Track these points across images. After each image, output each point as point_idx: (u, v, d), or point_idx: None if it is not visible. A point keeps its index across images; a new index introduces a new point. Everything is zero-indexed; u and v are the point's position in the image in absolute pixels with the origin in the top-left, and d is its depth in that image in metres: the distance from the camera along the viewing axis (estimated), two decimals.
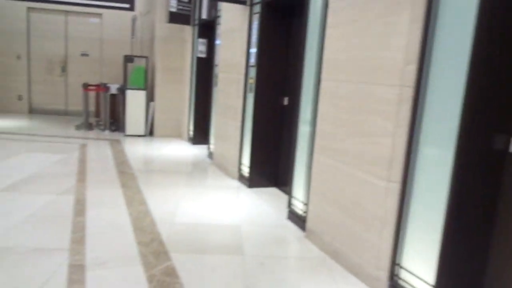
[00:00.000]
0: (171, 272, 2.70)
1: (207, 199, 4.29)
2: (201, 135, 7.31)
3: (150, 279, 2.60)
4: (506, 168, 2.26)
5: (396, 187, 2.54)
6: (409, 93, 2.45)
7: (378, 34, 2.65)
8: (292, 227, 3.69)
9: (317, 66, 3.46)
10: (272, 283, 2.66)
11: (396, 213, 2.55)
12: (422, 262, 2.38)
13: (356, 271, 2.83)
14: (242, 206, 4.17)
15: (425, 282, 2.35)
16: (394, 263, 2.57)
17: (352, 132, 2.88)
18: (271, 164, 4.92)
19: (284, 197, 4.57)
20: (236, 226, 3.60)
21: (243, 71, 4.97)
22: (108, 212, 3.68)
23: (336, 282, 2.74)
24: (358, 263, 2.81)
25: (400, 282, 2.53)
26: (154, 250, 3.00)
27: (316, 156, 3.36)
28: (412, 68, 2.43)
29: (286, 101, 4.76)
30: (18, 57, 9.92)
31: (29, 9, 9.83)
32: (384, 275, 2.63)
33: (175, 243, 3.15)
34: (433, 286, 2.29)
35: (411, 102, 2.45)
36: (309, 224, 3.45)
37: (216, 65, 6.13)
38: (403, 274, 2.52)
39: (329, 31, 3.19)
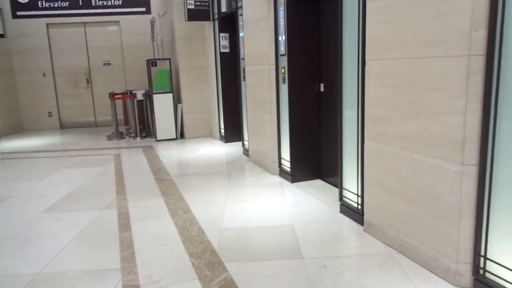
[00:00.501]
0: (230, 285, 2.52)
1: (251, 199, 4.10)
2: (233, 132, 7.13)
3: None
4: None
5: (472, 170, 2.25)
6: (479, 63, 2.14)
7: None
8: (347, 221, 3.44)
9: (359, 46, 3.17)
10: (339, 286, 2.43)
11: (475, 200, 2.27)
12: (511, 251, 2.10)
13: (432, 266, 2.56)
14: (290, 203, 3.95)
15: None
16: (479, 255, 2.29)
17: (411, 113, 2.60)
18: (313, 156, 4.67)
19: (331, 189, 4.32)
20: (289, 226, 3.38)
21: (273, 61, 4.72)
22: (153, 224, 3.55)
23: (411, 280, 2.49)
24: (433, 256, 2.54)
25: (488, 275, 2.25)
26: (208, 262, 2.82)
27: (368, 143, 3.09)
28: (481, 34, 2.12)
29: (322, 87, 4.49)
30: (44, 74, 10.02)
31: (49, 25, 9.89)
32: (467, 268, 2.36)
33: (228, 251, 2.97)
34: None
35: (483, 73, 2.14)
36: (367, 217, 3.20)
37: (242, 59, 5.90)
38: (491, 267, 2.23)
39: (370, 5, 2.90)
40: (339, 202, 3.65)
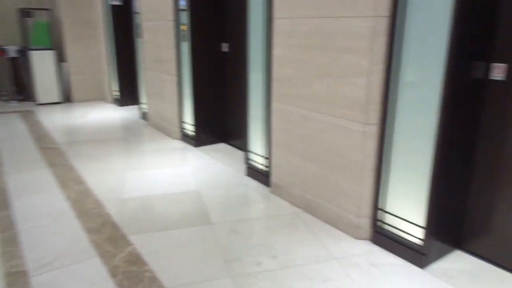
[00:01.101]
0: (136, 259, 2.33)
1: (153, 166, 3.85)
2: (128, 95, 6.60)
3: (113, 272, 2.21)
4: (487, 96, 2.16)
5: (374, 130, 2.36)
6: (384, 24, 2.19)
7: None
8: (254, 184, 3.44)
9: (266, 3, 3.05)
10: (252, 249, 2.42)
11: (376, 157, 2.39)
12: (409, 204, 2.28)
13: (335, 222, 2.69)
14: (194, 168, 3.81)
15: (414, 224, 2.26)
16: (377, 208, 2.45)
17: (319, 74, 2.60)
18: (217, 119, 4.54)
19: (236, 152, 4.27)
20: (194, 192, 3.25)
21: (171, 16, 4.36)
22: (39, 199, 3.11)
23: (317, 236, 2.58)
24: (337, 213, 2.66)
25: (386, 227, 2.43)
26: (108, 236, 2.57)
27: (275, 104, 3.06)
28: None
29: (227, 47, 4.31)
30: None
31: None
32: (366, 221, 2.51)
33: (131, 223, 2.74)
34: (423, 227, 2.21)
35: (387, 35, 2.20)
36: (274, 178, 3.22)
37: (137, 13, 5.37)
38: (389, 219, 2.41)
39: None
40: (246, 165, 3.62)
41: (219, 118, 4.54)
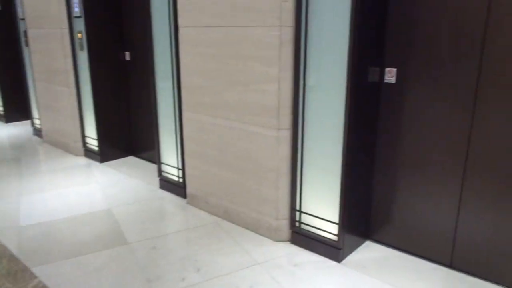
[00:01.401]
0: None
1: (53, 187, 3.51)
2: (16, 109, 5.94)
3: None
4: (382, 98, 2.39)
5: (287, 134, 2.45)
6: (289, 33, 2.29)
7: None
8: (169, 197, 3.33)
9: (171, 11, 2.98)
10: (175, 265, 2.33)
11: (290, 161, 2.49)
12: (323, 203, 2.41)
13: (255, 227, 2.73)
14: (102, 185, 3.56)
15: (329, 221, 2.39)
16: (294, 210, 2.54)
17: (229, 82, 2.62)
18: (123, 131, 4.31)
19: (147, 165, 4.10)
20: (105, 211, 3.04)
21: (65, 24, 4.03)
22: None
23: (238, 243, 2.59)
24: (256, 218, 2.71)
25: (303, 226, 2.54)
26: (6, 271, 2.27)
27: (187, 114, 3.00)
28: (289, 5, 2.25)
29: (128, 56, 4.12)
30: None
31: None
32: (285, 223, 2.59)
33: (32, 254, 2.45)
34: (336, 223, 2.35)
35: (293, 43, 2.31)
36: (190, 189, 3.16)
37: (22, 19, 4.86)
38: (305, 218, 2.52)
39: None
40: (159, 178, 3.49)
41: (126, 130, 4.32)
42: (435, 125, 2.20)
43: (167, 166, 3.42)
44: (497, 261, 2.12)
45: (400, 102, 2.32)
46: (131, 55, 4.09)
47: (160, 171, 3.48)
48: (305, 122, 2.37)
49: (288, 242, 2.61)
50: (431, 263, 2.35)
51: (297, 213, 2.55)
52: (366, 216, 2.57)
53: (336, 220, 2.35)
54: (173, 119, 3.24)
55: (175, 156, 3.31)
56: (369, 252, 2.48)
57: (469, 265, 2.22)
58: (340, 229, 2.34)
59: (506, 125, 1.97)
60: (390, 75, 2.33)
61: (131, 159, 4.33)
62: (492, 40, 1.94)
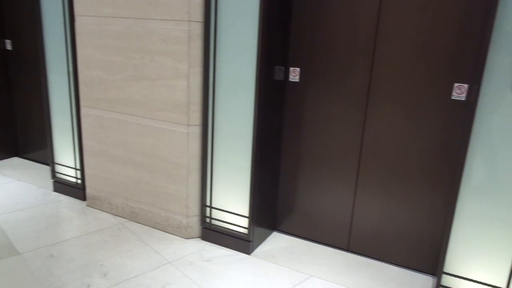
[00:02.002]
0: None
1: None
2: None
3: None
4: (287, 95, 2.52)
5: (197, 130, 2.44)
6: (199, 29, 2.28)
7: None
8: (66, 200, 3.06)
9: None
10: (77, 272, 2.16)
11: (201, 157, 2.48)
12: (233, 198, 2.46)
13: (164, 225, 2.66)
14: None
15: (239, 215, 2.45)
16: (205, 206, 2.55)
17: (135, 77, 2.51)
18: (4, 128, 3.82)
19: (37, 166, 3.71)
20: None
21: None
22: None
23: (147, 243, 2.50)
24: (165, 216, 2.64)
25: (214, 222, 2.55)
26: None
27: (86, 110, 2.79)
28: (198, 1, 2.24)
29: (9, 44, 3.66)
30: None
31: None
32: (195, 220, 2.58)
33: None
34: (246, 216, 2.42)
35: (202, 39, 2.30)
36: (90, 190, 2.94)
37: None
38: (216, 214, 2.54)
39: None
40: (52, 180, 3.18)
41: (8, 127, 3.84)
42: (333, 121, 2.40)
43: (62, 167, 3.14)
44: (386, 243, 2.40)
45: (303, 100, 2.47)
46: (13, 44, 3.65)
47: (54, 173, 3.17)
48: (215, 118, 2.39)
49: (198, 238, 2.60)
50: (332, 248, 2.56)
51: (208, 209, 2.55)
52: (273, 209, 2.69)
53: (246, 213, 2.42)
54: (69, 115, 2.99)
55: (72, 155, 3.06)
56: (277, 242, 2.61)
57: (363, 248, 2.48)
58: (250, 222, 2.41)
59: (393, 124, 2.24)
60: (294, 74, 2.47)
61: (16, 160, 3.86)
62: (382, 45, 2.19)
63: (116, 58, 2.55)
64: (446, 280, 1.94)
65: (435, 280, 1.94)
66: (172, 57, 2.35)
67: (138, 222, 2.77)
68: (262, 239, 2.59)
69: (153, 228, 2.71)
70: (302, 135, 2.52)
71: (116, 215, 2.85)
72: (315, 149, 2.49)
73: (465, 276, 1.90)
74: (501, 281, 1.83)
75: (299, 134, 2.52)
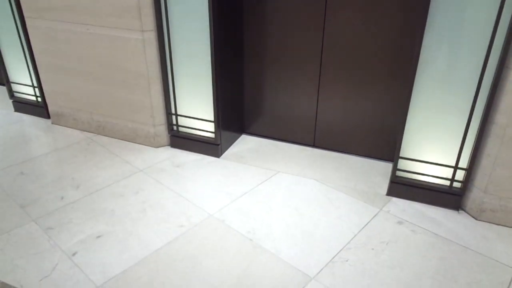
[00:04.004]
0: None
1: None
2: None
3: None
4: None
5: (152, 36, 2.32)
6: None
7: None
8: (29, 119, 3.00)
9: None
10: (49, 187, 2.20)
11: (160, 65, 2.41)
12: (198, 104, 2.45)
13: (132, 137, 2.67)
14: None
15: (205, 120, 2.47)
16: (171, 114, 2.54)
17: None
18: None
19: None
20: None
21: None
22: None
23: (117, 155, 2.54)
24: (132, 127, 2.64)
25: (181, 129, 2.58)
26: None
27: (31, 22, 2.59)
28: None
29: None
30: None
31: None
32: (163, 128, 2.60)
33: None
34: (212, 121, 2.44)
35: None
36: (53, 108, 2.88)
37: None
38: (182, 121, 2.55)
39: None
40: (11, 100, 3.07)
41: None
42: (294, 24, 2.31)
43: (19, 86, 3.01)
44: (349, 136, 2.50)
45: (265, 3, 2.35)
46: None
47: (11, 92, 3.05)
48: (170, 22, 2.27)
49: (168, 146, 2.64)
50: (299, 146, 2.65)
51: (174, 117, 2.56)
52: (239, 113, 2.71)
53: (212, 118, 2.44)
54: (14, 30, 2.78)
55: (27, 73, 2.92)
56: (245, 144, 2.68)
57: (328, 142, 2.58)
58: (216, 126, 2.44)
59: (353, 21, 2.17)
60: None
61: None
62: None
63: None
64: (402, 164, 2.08)
65: (393, 165, 2.07)
66: None
67: (106, 136, 2.77)
68: (230, 142, 2.65)
69: (122, 140, 2.72)
70: (263, 32, 2.44)
71: (83, 130, 2.83)
72: (278, 51, 2.44)
73: (419, 159, 2.03)
74: (451, 160, 1.96)
75: (261, 32, 2.44)
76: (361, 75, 2.29)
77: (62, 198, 2.12)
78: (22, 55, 2.85)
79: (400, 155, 2.06)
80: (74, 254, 1.73)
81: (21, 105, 3.06)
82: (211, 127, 2.47)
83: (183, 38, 2.28)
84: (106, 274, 1.63)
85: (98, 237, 1.83)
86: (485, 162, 1.88)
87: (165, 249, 1.76)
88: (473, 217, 1.99)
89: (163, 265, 1.67)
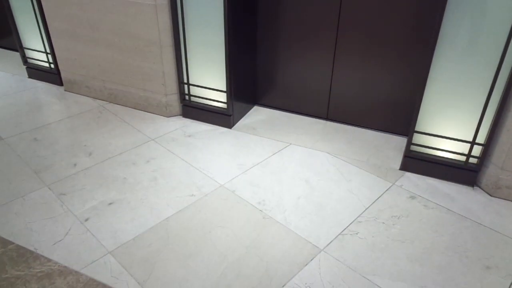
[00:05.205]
0: None
1: None
2: None
3: None
4: None
5: (164, 2, 2.27)
6: None
7: None
8: (43, 85, 3.01)
9: None
10: (62, 153, 2.22)
11: (172, 32, 2.36)
12: (210, 74, 2.41)
13: (145, 105, 2.66)
14: None
15: (217, 90, 2.44)
16: (183, 83, 2.51)
17: None
18: None
19: (5, 53, 3.55)
20: None
21: None
22: None
23: (129, 123, 2.54)
24: (144, 96, 2.63)
25: (193, 99, 2.55)
26: None
27: None
28: None
29: None
30: None
31: None
32: (175, 98, 2.58)
33: None
34: (225, 91, 2.41)
35: None
36: (65, 75, 2.87)
37: None
38: (195, 91, 2.52)
39: None
40: (25, 66, 3.08)
41: None
42: None
43: (33, 52, 3.01)
44: (363, 109, 2.44)
45: None
46: None
47: (24, 58, 3.05)
48: None
49: (180, 116, 2.63)
50: (311, 118, 2.61)
51: (186, 86, 2.53)
52: (252, 84, 2.67)
53: (224, 88, 2.40)
54: None
55: (40, 39, 2.90)
56: (258, 115, 2.65)
57: (342, 115, 2.53)
58: (228, 97, 2.41)
59: None
60: None
61: None
62: None
63: None
64: (417, 138, 2.03)
65: (407, 139, 2.02)
66: None
67: (118, 104, 2.76)
68: (242, 114, 2.62)
69: (134, 108, 2.71)
70: (278, 9, 2.36)
71: (95, 98, 2.83)
72: (294, 21, 2.36)
73: (435, 133, 1.98)
74: (468, 135, 1.91)
75: (276, 5, 2.36)
76: (378, 47, 2.21)
77: (75, 165, 2.14)
78: (35, 20, 2.83)
79: (416, 129, 2.00)
80: (86, 220, 1.75)
81: (34, 72, 3.06)
82: (223, 97, 2.44)
83: (196, 5, 2.22)
84: (117, 240, 1.65)
85: (110, 204, 1.85)
86: (504, 137, 1.82)
87: (175, 218, 1.77)
88: (488, 193, 1.95)
89: (174, 233, 1.69)
